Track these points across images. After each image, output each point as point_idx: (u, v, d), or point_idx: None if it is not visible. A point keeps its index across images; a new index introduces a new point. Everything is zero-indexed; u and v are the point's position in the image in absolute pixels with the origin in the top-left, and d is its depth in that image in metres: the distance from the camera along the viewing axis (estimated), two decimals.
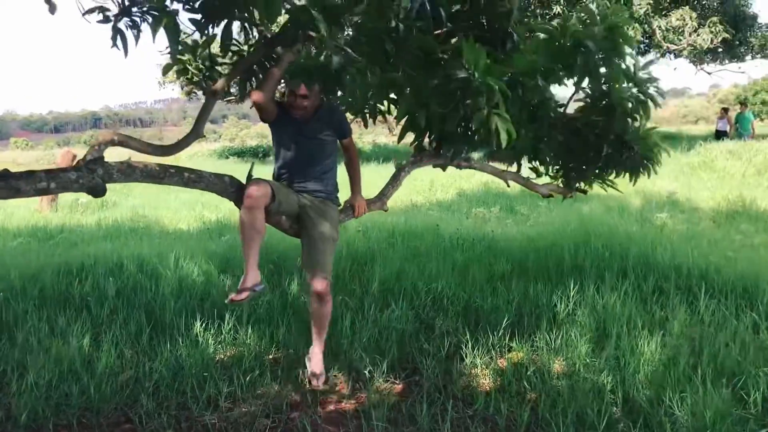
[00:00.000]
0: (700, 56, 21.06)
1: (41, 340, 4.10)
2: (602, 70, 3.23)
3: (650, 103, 3.49)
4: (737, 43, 21.00)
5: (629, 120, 3.57)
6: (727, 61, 23.10)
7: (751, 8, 21.31)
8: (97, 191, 2.64)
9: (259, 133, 45.19)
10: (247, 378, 3.71)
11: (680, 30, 19.10)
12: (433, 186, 11.81)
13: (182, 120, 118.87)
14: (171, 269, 5.41)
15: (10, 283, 5.18)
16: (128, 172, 2.78)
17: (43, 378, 3.61)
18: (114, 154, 2.72)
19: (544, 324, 4.32)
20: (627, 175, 3.93)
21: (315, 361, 3.58)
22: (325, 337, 3.62)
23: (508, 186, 4.34)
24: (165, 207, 11.18)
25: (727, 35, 18.93)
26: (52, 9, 3.74)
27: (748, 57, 22.65)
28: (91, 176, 2.62)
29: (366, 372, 3.79)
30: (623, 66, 3.28)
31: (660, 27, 19.13)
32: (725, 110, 19.72)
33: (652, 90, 3.47)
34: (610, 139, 3.54)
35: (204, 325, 4.32)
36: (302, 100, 3.37)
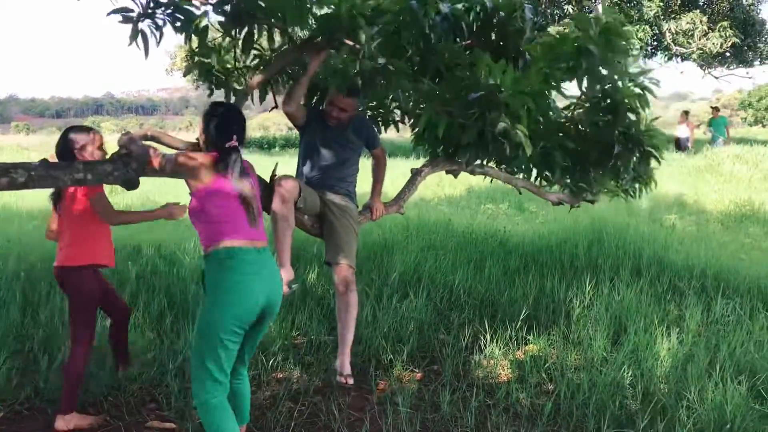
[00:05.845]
0: (708, 60, 21.06)
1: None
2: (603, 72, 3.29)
3: (648, 95, 3.55)
4: (746, 48, 20.99)
5: (633, 115, 3.62)
6: (734, 66, 23.08)
7: (760, 14, 21.33)
8: (131, 184, 2.70)
9: None
10: (270, 362, 3.77)
11: (690, 33, 19.11)
12: (441, 181, 11.83)
13: (184, 109, 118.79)
14: (190, 255, 5.46)
15: (31, 264, 5.23)
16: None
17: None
18: None
19: (561, 318, 4.38)
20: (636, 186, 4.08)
21: (343, 362, 3.65)
22: (352, 338, 3.70)
23: (520, 193, 4.43)
24: (174, 196, 11.18)
25: (736, 40, 18.92)
26: None
27: (757, 62, 22.62)
28: (125, 169, 2.67)
29: (386, 359, 3.85)
30: (620, 63, 3.33)
31: (670, 30, 19.14)
32: (686, 113, 17.88)
33: (646, 82, 3.55)
34: (617, 137, 3.58)
35: None
36: (341, 112, 3.55)
